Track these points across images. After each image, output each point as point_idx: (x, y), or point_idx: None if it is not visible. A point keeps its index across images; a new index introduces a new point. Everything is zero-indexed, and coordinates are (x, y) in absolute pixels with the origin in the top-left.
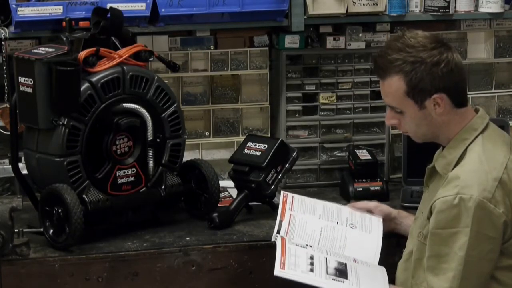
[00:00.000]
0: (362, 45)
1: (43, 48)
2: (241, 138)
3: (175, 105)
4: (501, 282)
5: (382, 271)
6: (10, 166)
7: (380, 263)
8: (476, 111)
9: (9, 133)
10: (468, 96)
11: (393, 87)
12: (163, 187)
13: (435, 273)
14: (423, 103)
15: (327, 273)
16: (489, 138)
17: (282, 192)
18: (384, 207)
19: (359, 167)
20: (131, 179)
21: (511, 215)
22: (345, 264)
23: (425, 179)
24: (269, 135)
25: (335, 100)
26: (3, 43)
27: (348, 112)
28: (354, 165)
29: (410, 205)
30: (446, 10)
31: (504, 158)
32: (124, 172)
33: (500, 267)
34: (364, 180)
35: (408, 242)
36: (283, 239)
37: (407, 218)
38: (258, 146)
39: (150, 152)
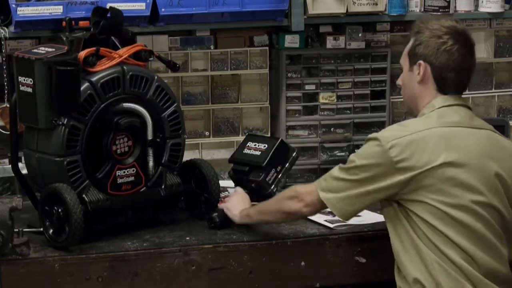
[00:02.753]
0: (362, 45)
1: (43, 48)
2: (241, 138)
3: (175, 104)
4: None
5: None
6: (10, 166)
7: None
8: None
9: (9, 133)
10: (468, 96)
11: (407, 46)
12: (163, 187)
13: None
14: (412, 66)
15: None
16: (442, 112)
17: None
18: None
19: None
20: (131, 179)
21: (406, 166)
22: None
23: None
24: (269, 135)
25: (335, 100)
26: (3, 43)
27: (348, 112)
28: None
29: None
30: (446, 10)
31: (436, 124)
32: (124, 172)
33: (422, 230)
34: None
35: None
36: None
37: None
38: (258, 145)
39: (150, 152)
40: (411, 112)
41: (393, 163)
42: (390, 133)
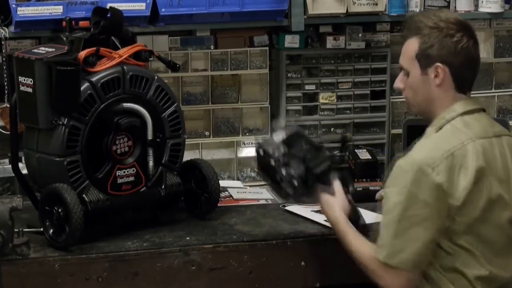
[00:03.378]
0: (362, 45)
1: (43, 48)
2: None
3: (175, 105)
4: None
5: None
6: (10, 166)
7: None
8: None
9: (9, 133)
10: None
11: (409, 47)
12: (163, 187)
13: (380, 228)
14: (425, 69)
15: None
16: (466, 121)
17: None
18: None
19: (359, 167)
20: (131, 178)
21: (453, 188)
22: None
23: None
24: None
25: (335, 100)
26: (3, 43)
27: (348, 112)
28: (354, 165)
29: None
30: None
31: (468, 138)
32: (124, 172)
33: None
34: (364, 180)
35: None
36: None
37: None
38: None
39: (150, 152)
40: (424, 115)
41: (443, 189)
42: (428, 155)
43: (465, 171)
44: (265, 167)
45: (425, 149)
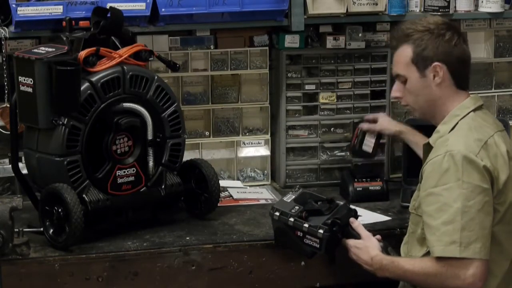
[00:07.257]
0: (362, 45)
1: (43, 48)
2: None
3: (175, 104)
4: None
5: None
6: (10, 166)
7: None
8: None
9: (9, 133)
10: None
11: (402, 55)
12: (163, 186)
13: (436, 229)
14: (424, 71)
15: None
16: (480, 116)
17: None
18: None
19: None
20: (131, 178)
21: (497, 172)
22: None
23: (423, 158)
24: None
25: (335, 100)
26: (3, 43)
27: (348, 112)
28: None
29: (410, 204)
30: (446, 10)
31: (492, 130)
32: (124, 172)
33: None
34: (364, 179)
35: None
36: None
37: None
38: None
39: (150, 151)
40: (426, 116)
41: (490, 172)
42: (466, 145)
43: (502, 157)
44: (281, 229)
45: (459, 141)
